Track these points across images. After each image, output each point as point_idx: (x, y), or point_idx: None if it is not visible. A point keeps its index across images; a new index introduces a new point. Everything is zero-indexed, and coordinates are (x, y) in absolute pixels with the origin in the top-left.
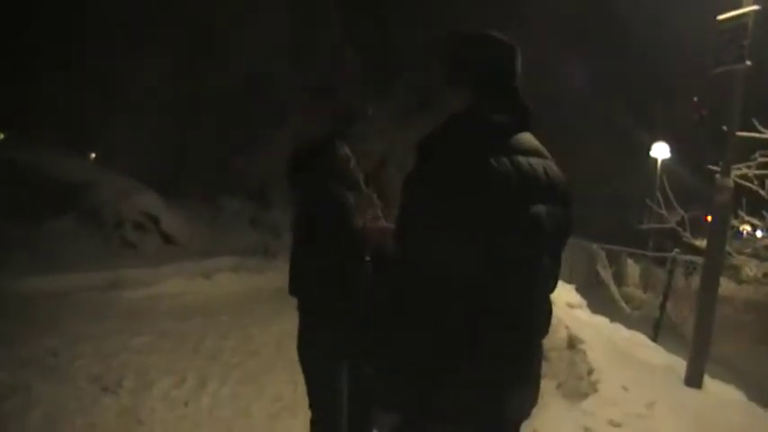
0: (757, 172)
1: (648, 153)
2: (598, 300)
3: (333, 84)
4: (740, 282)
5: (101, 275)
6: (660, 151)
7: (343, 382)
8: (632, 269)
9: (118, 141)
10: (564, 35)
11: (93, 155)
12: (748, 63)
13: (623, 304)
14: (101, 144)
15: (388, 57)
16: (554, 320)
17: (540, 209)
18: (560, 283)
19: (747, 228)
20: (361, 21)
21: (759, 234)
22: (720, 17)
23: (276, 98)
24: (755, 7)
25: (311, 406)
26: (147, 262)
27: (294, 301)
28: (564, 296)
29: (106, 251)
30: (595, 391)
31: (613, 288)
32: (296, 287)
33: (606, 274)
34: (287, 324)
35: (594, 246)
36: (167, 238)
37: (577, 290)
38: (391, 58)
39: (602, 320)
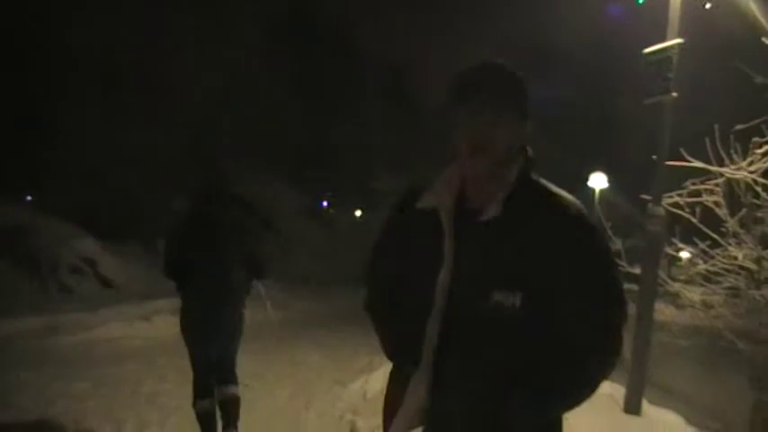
0: (688, 200)
1: (586, 183)
2: None
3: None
4: (679, 307)
5: (38, 321)
6: (598, 181)
7: None
8: None
9: (55, 184)
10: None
11: (30, 198)
12: (674, 94)
13: None
14: (37, 187)
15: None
16: None
17: None
18: None
19: (685, 254)
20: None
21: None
22: (646, 50)
23: (217, 143)
24: (679, 40)
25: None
26: (84, 306)
27: None
28: None
29: (43, 296)
30: None
31: None
32: None
33: None
34: None
35: None
36: (105, 282)
37: None
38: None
39: None
